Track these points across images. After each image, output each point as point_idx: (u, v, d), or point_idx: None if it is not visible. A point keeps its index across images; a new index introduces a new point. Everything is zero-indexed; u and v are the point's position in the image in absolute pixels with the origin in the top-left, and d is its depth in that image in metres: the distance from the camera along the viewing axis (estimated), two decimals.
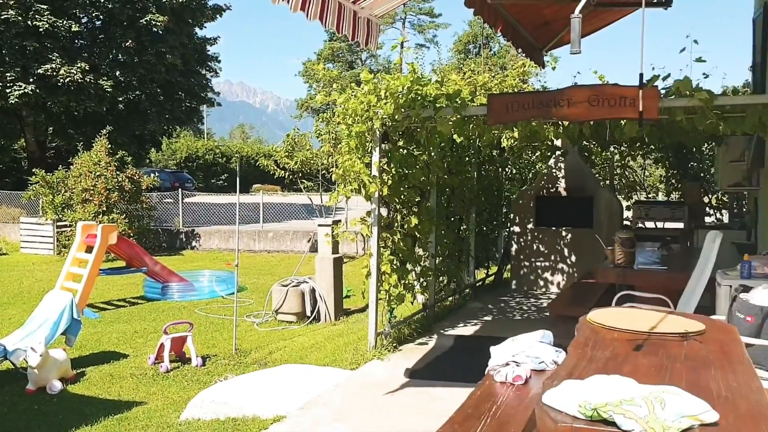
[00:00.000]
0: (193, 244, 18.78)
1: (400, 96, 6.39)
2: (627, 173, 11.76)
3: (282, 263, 15.86)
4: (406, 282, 7.21)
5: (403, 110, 6.25)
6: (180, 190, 20.64)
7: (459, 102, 6.17)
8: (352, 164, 6.33)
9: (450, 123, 6.31)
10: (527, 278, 10.60)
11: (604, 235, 10.12)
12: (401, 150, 6.84)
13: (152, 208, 18.29)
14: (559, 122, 6.54)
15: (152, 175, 19.64)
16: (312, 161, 16.46)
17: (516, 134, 6.97)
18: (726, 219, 10.92)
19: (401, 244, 6.87)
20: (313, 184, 17.82)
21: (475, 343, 7.06)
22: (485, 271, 10.96)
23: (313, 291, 9.52)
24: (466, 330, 7.81)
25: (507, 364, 3.92)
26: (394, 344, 6.92)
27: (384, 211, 6.82)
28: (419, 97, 6.28)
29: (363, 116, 6.33)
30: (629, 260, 6.12)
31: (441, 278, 8.57)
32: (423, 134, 6.63)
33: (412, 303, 7.93)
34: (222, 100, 32.34)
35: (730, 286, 4.73)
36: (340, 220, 10.70)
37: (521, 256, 10.62)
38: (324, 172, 16.78)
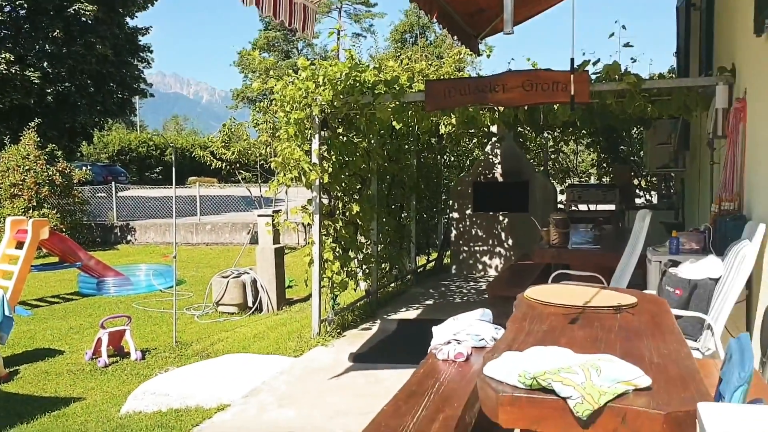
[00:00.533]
0: (129, 238, 18.33)
1: (339, 82, 6.38)
2: (560, 158, 12.06)
3: (221, 255, 15.66)
4: (349, 269, 7.24)
5: (341, 97, 6.25)
6: (113, 183, 20.09)
7: (397, 88, 6.22)
8: (292, 152, 6.30)
9: (389, 109, 6.35)
10: (466, 262, 10.78)
11: (539, 219, 10.39)
12: (341, 137, 6.85)
13: (85, 202, 17.75)
14: (495, 108, 6.67)
15: (84, 168, 19.01)
16: (249, 151, 16.25)
17: (454, 120, 7.06)
18: (655, 200, 11.35)
19: (343, 231, 6.89)
20: (251, 175, 17.58)
21: (417, 326, 7.16)
22: (426, 257, 11.09)
23: (254, 282, 9.45)
24: (409, 314, 7.90)
25: (449, 342, 4.00)
26: (338, 330, 6.95)
27: (325, 199, 6.82)
28: (358, 84, 6.29)
29: (301, 103, 6.31)
30: (564, 240, 6.30)
31: (383, 265, 8.64)
32: (362, 121, 6.65)
33: (355, 290, 7.98)
34: (155, 92, 31.50)
35: (660, 262, 4.93)
36: (280, 210, 10.64)
37: (460, 242, 10.79)
38: (262, 162, 16.60)
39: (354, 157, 7.01)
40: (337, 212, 6.94)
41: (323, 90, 6.21)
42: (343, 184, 6.95)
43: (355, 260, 7.51)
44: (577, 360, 2.42)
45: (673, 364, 2.59)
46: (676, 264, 4.67)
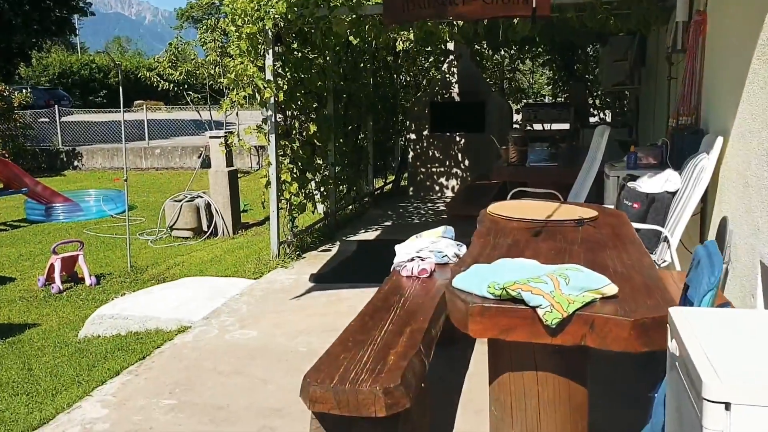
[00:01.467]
0: (75, 164, 17.76)
1: None
2: (516, 77, 11.99)
3: (172, 180, 15.34)
4: (307, 191, 7.15)
5: (296, 9, 6.00)
6: (56, 107, 19.27)
7: (354, 1, 5.98)
8: (245, 68, 6.07)
9: (345, 23, 6.13)
10: (424, 184, 10.77)
11: (497, 139, 10.39)
12: (296, 53, 6.62)
13: (27, 127, 17.04)
14: (455, 23, 6.51)
15: (24, 91, 18.15)
16: (197, 72, 15.71)
17: (412, 36, 6.89)
18: (609, 119, 11.44)
19: (300, 152, 6.76)
20: (200, 97, 17.05)
21: (377, 246, 7.17)
22: (383, 180, 11.03)
23: (208, 205, 9.28)
24: (368, 235, 7.90)
25: (412, 260, 4.00)
26: (298, 252, 6.92)
27: (280, 119, 6.64)
28: None
29: (254, 16, 6.03)
30: (521, 158, 6.31)
31: (341, 187, 8.56)
32: (318, 35, 6.42)
33: (313, 212, 7.91)
34: (95, 12, 29.96)
35: (618, 177, 4.97)
36: (233, 131, 10.38)
37: (417, 163, 10.75)
38: (211, 83, 16.08)
39: (309, 74, 6.80)
40: (294, 132, 6.79)
41: (276, 2, 5.94)
42: (299, 103, 6.77)
43: (313, 182, 7.41)
44: (545, 270, 2.43)
45: (637, 273, 2.62)
46: (634, 179, 4.72)
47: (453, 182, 10.68)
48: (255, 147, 16.36)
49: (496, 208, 3.82)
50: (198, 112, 17.39)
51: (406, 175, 11.34)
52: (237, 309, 5.31)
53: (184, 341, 4.72)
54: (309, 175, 7.20)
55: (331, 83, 7.48)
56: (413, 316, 3.17)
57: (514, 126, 10.77)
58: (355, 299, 5.21)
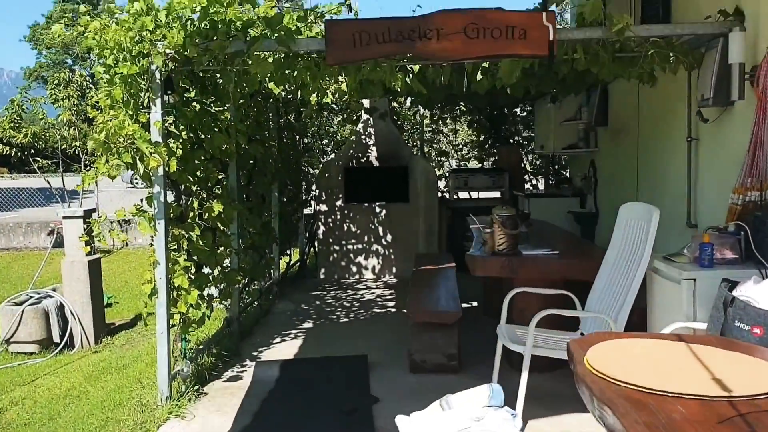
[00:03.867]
0: None
1: (191, 23, 4.22)
2: (438, 139, 10.57)
3: (14, 264, 12.53)
4: (206, 294, 5.12)
5: (198, 41, 4.10)
6: None
7: (283, 32, 4.18)
8: (120, 125, 4.04)
9: (269, 63, 4.30)
10: (338, 264, 8.94)
11: (422, 210, 8.81)
12: (193, 104, 4.68)
13: None
14: (409, 68, 4.88)
15: None
16: (47, 134, 13.10)
17: (344, 86, 5.17)
18: (541, 186, 10.23)
19: (200, 242, 4.74)
20: (50, 163, 14.36)
21: (308, 370, 5.21)
22: (287, 260, 9.09)
23: (61, 307, 6.97)
24: (287, 347, 5.90)
25: None
26: (197, 386, 4.80)
27: (172, 196, 4.63)
28: (222, 24, 4.16)
29: (133, 51, 4.08)
30: (512, 245, 4.67)
31: (244, 279, 6.53)
32: (229, 80, 4.52)
33: (208, 316, 5.81)
34: None
35: (694, 281, 3.43)
36: (95, 209, 8.07)
37: (330, 239, 8.93)
38: (64, 146, 13.49)
39: (212, 133, 4.88)
40: (192, 215, 4.77)
41: (169, 31, 4.02)
42: (198, 173, 4.80)
43: (211, 279, 5.36)
44: None
45: None
46: (732, 284, 3.20)
47: (374, 261, 8.93)
48: (118, 221, 13.84)
49: (608, 364, 2.14)
50: (47, 180, 14.60)
51: (312, 253, 9.46)
52: None
53: None
54: (206, 269, 5.18)
55: (234, 145, 5.53)
56: None
57: (441, 194, 9.24)
58: None
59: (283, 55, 4.34)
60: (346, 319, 6.85)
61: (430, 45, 4.18)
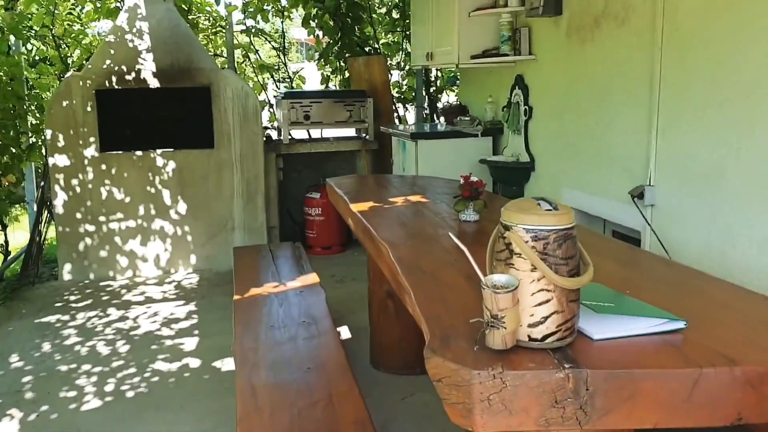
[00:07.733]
0: None
1: None
2: (254, 46, 6.95)
3: None
4: None
5: None
6: None
7: None
8: None
9: None
10: (94, 256, 5.31)
11: (237, 160, 5.47)
12: None
13: None
14: None
15: None
16: None
17: None
18: (414, 118, 7.09)
19: None
20: None
21: None
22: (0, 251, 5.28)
23: None
24: None
25: None
26: None
27: None
28: None
29: None
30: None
31: None
32: None
33: None
34: None
35: None
36: None
37: (77, 214, 5.24)
38: None
39: None
40: None
41: None
42: None
43: None
44: None
45: None
46: None
47: (157, 249, 5.42)
48: None
49: None
50: None
51: (45, 237, 5.74)
52: None
53: None
54: None
55: None
56: None
57: (267, 135, 5.82)
58: None
59: None
60: (98, 402, 3.37)
61: None
